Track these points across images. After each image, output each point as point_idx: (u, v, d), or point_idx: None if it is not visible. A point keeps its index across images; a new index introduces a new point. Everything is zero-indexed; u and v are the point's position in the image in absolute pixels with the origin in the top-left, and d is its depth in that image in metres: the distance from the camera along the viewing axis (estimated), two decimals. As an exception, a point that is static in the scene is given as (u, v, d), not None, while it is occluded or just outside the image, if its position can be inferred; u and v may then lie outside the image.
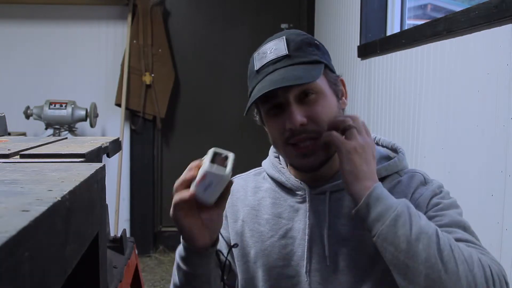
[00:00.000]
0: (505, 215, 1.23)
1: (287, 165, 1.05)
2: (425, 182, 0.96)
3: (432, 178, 0.99)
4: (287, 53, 0.92)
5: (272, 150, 1.09)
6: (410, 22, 2.38)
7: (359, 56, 2.54)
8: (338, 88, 0.98)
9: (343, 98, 1.00)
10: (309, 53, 0.94)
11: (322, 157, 0.94)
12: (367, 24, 2.47)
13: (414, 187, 0.95)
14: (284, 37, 0.94)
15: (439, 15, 1.78)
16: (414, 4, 2.52)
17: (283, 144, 0.95)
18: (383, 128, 2.17)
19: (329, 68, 0.97)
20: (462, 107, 1.49)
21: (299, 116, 0.90)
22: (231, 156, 0.80)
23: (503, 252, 1.24)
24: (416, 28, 1.85)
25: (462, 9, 1.48)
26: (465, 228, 0.90)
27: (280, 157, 1.07)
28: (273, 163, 1.06)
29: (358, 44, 2.53)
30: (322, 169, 0.97)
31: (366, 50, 2.43)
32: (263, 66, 0.94)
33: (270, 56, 0.93)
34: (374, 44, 2.29)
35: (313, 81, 0.90)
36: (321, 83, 0.94)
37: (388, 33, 2.42)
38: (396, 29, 2.39)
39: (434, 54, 1.68)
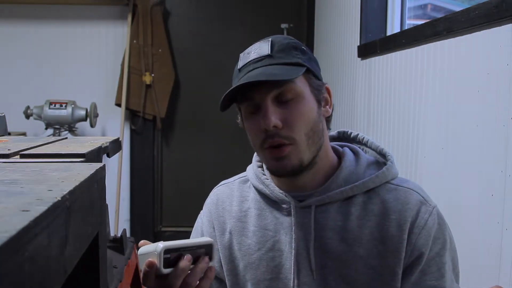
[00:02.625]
0: (505, 215, 1.23)
1: (270, 175, 1.02)
2: (425, 201, 0.94)
3: (426, 193, 0.97)
4: (269, 53, 0.91)
5: (255, 158, 1.07)
6: (410, 22, 2.38)
7: (359, 56, 2.54)
8: (321, 95, 0.95)
9: (327, 106, 0.97)
10: (292, 56, 0.92)
11: (295, 162, 0.91)
12: (367, 24, 2.47)
13: (415, 210, 0.93)
14: (270, 39, 0.94)
15: (439, 15, 1.78)
16: (414, 4, 2.52)
17: (260, 147, 0.93)
18: (383, 128, 2.17)
19: (313, 74, 0.94)
20: (462, 107, 1.49)
21: (273, 117, 0.89)
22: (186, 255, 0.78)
23: (503, 252, 1.24)
24: (416, 28, 1.85)
25: (462, 9, 1.47)
26: None
27: (264, 166, 1.04)
28: (257, 174, 1.03)
29: (358, 44, 2.53)
30: (304, 178, 0.95)
31: (366, 50, 2.43)
32: (244, 65, 0.93)
33: (253, 55, 0.92)
34: (374, 44, 2.29)
35: (288, 79, 0.88)
36: (302, 86, 0.91)
37: (388, 33, 2.42)
38: (396, 29, 2.39)
39: (434, 54, 1.68)
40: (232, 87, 0.90)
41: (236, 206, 1.04)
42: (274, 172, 0.97)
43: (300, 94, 0.91)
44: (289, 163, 0.91)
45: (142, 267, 0.80)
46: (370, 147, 1.04)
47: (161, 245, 0.76)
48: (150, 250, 0.78)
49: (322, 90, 0.96)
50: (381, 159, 1.01)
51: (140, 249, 0.83)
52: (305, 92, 0.92)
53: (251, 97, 0.91)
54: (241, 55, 0.96)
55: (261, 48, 0.93)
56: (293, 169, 0.92)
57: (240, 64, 0.94)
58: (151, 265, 0.77)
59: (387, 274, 0.92)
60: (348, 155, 0.99)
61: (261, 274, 0.98)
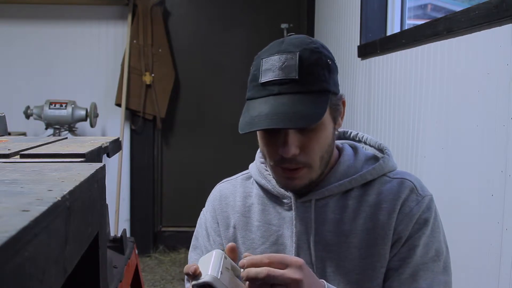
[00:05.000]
0: (505, 215, 1.23)
1: None
2: (416, 190, 0.95)
3: (423, 184, 0.98)
4: (297, 77, 0.87)
5: (258, 155, 1.08)
6: (410, 22, 2.38)
7: (359, 56, 2.54)
8: (338, 112, 0.95)
9: (339, 119, 0.98)
10: (319, 79, 0.89)
11: (305, 182, 0.94)
12: (367, 24, 2.47)
13: (403, 197, 0.94)
14: (298, 53, 0.88)
15: (439, 15, 1.78)
16: (414, 4, 2.52)
17: (271, 163, 0.94)
18: (383, 128, 2.17)
19: (333, 92, 0.92)
20: (462, 107, 1.49)
21: (293, 147, 0.89)
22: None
23: (503, 252, 1.24)
24: (416, 28, 1.85)
25: (462, 9, 1.48)
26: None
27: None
28: (260, 170, 1.05)
29: (358, 44, 2.53)
30: None
31: (366, 50, 2.43)
32: (268, 81, 0.88)
33: (279, 73, 0.87)
34: (374, 44, 2.29)
35: (317, 122, 0.87)
36: None
37: (388, 33, 2.42)
38: (396, 29, 2.39)
39: (434, 54, 1.68)
40: (258, 129, 0.86)
41: (239, 201, 1.06)
42: (282, 187, 1.00)
43: (321, 123, 0.90)
44: (298, 184, 0.94)
45: (198, 268, 0.80)
46: (369, 144, 1.07)
47: (209, 279, 0.77)
48: (205, 267, 0.79)
49: (339, 106, 0.96)
50: (380, 154, 1.03)
51: (204, 257, 0.84)
52: (325, 119, 0.91)
53: None
54: (264, 61, 0.90)
55: (288, 63, 0.88)
56: (301, 189, 0.96)
57: (263, 76, 0.89)
58: (193, 271, 0.79)
59: (377, 262, 0.93)
60: (347, 150, 1.02)
61: None
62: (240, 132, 0.89)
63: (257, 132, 0.94)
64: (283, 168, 0.93)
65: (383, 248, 0.93)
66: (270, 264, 0.77)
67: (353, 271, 0.94)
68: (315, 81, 0.88)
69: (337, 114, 0.95)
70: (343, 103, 0.97)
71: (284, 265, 0.77)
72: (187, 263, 1.02)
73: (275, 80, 0.88)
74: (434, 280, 0.90)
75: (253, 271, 0.76)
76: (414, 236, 0.92)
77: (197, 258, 1.05)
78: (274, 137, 0.91)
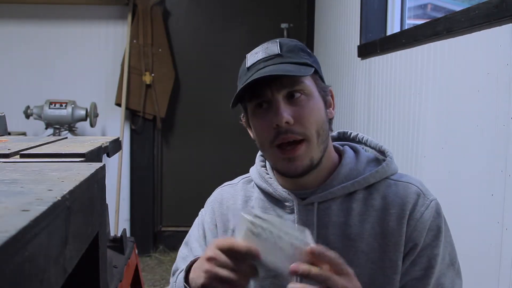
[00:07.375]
0: (505, 215, 1.23)
1: (274, 174, 1.04)
2: (422, 194, 0.95)
3: (426, 187, 0.98)
4: (279, 52, 0.94)
5: (258, 158, 1.08)
6: (410, 22, 2.38)
7: (359, 56, 2.54)
8: (327, 96, 0.99)
9: (330, 108, 1.00)
10: (300, 57, 0.95)
11: (307, 162, 0.93)
12: (367, 24, 2.47)
13: (412, 203, 0.94)
14: (277, 40, 0.96)
15: (439, 15, 1.78)
16: (414, 4, 2.52)
17: (269, 145, 0.94)
18: (383, 128, 2.17)
19: (319, 76, 0.98)
20: (462, 107, 1.49)
21: (285, 113, 0.90)
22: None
23: (503, 252, 1.24)
24: (416, 28, 1.85)
25: (462, 9, 1.48)
26: None
27: (267, 165, 1.06)
28: (260, 174, 1.04)
29: (358, 44, 2.53)
30: (308, 177, 0.97)
31: (366, 50, 2.43)
32: (254, 63, 0.95)
33: (262, 55, 0.95)
34: (374, 44, 2.29)
35: (302, 75, 0.91)
36: (310, 85, 0.94)
37: (388, 33, 2.42)
38: (396, 29, 2.39)
39: (434, 54, 1.68)
40: (245, 82, 0.91)
41: (240, 205, 1.06)
42: (283, 173, 0.98)
43: (310, 93, 0.94)
44: (300, 165, 0.93)
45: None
46: (369, 146, 1.07)
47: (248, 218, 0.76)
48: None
49: (327, 92, 0.99)
50: (381, 156, 1.03)
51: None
52: (314, 91, 0.95)
53: (262, 94, 0.92)
54: (248, 55, 0.98)
55: (269, 48, 0.95)
56: (303, 171, 0.94)
57: (249, 62, 0.96)
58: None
59: (389, 268, 0.93)
60: (348, 152, 1.02)
61: (265, 272, 0.99)
62: (232, 106, 0.95)
63: (250, 119, 0.97)
64: (282, 148, 0.92)
65: (394, 255, 0.92)
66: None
67: (361, 276, 0.92)
68: (297, 57, 0.95)
69: (326, 98, 0.98)
70: (331, 93, 1.01)
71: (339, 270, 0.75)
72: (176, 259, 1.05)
73: (259, 60, 0.94)
74: (455, 285, 0.93)
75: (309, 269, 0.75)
76: (431, 245, 0.92)
77: (188, 254, 1.06)
78: (266, 114, 0.93)
